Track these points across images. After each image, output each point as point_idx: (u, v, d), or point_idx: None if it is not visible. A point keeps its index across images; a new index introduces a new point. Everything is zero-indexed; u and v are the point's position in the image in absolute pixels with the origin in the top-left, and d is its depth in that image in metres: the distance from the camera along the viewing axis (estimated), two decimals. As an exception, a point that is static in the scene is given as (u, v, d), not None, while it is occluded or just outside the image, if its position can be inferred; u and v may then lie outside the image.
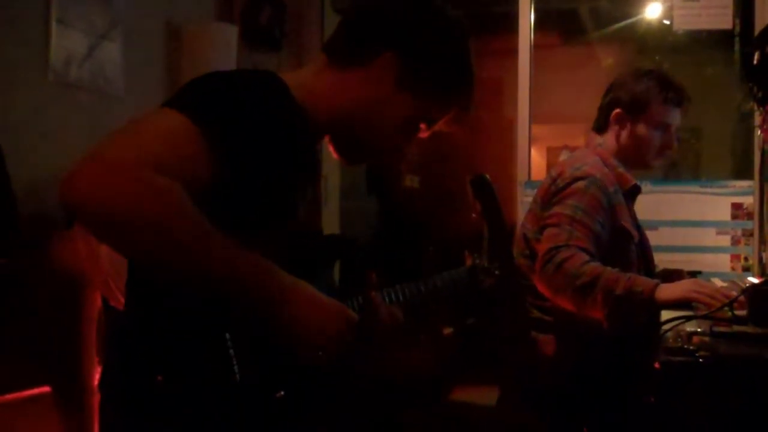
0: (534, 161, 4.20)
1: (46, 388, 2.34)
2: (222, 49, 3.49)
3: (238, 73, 1.52)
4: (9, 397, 2.23)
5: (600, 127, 2.62)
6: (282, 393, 1.40)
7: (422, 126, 1.61)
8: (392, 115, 1.55)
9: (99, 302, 2.61)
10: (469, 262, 1.90)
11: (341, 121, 1.55)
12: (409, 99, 1.55)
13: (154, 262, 1.24)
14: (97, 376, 2.59)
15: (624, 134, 2.55)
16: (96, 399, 2.57)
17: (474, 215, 1.80)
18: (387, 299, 1.69)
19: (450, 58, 1.58)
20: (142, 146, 1.22)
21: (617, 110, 2.55)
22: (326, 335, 1.36)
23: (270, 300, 1.30)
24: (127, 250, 1.27)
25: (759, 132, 3.45)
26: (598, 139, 2.61)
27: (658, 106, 2.52)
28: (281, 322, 1.32)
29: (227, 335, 1.36)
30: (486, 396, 2.58)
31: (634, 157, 2.57)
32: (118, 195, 1.16)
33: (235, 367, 1.35)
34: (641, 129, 2.54)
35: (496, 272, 1.85)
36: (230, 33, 3.57)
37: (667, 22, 4.11)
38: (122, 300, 2.31)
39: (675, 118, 2.56)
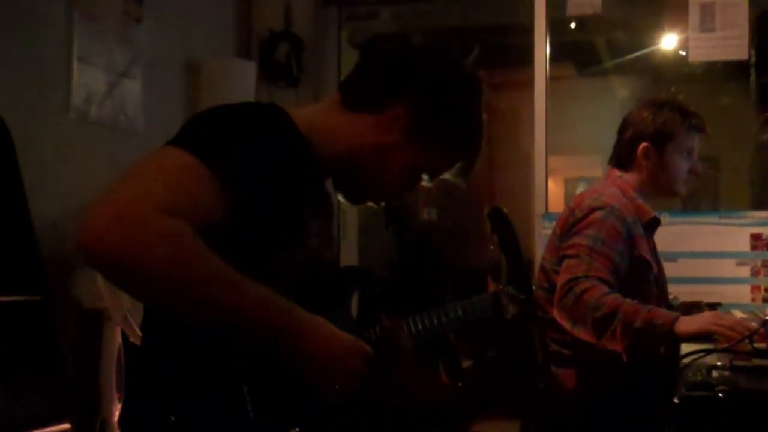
0: (551, 193, 4.17)
1: (66, 425, 2.34)
2: (240, 84, 3.54)
3: (240, 106, 1.48)
4: (30, 433, 2.24)
5: (622, 164, 2.60)
6: (297, 430, 1.39)
7: (425, 176, 1.61)
8: (395, 164, 1.56)
9: (119, 338, 2.62)
10: (492, 288, 1.89)
11: (343, 161, 1.55)
12: (415, 151, 1.55)
13: (167, 305, 1.25)
14: (116, 413, 2.60)
15: (653, 166, 2.55)
16: (116, 435, 2.59)
17: (492, 247, 1.80)
18: (406, 330, 1.69)
19: (462, 116, 1.58)
20: (151, 189, 1.21)
21: (644, 144, 2.54)
22: (343, 371, 1.37)
23: (286, 337, 1.30)
24: (140, 295, 1.28)
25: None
26: (619, 172, 2.61)
27: (684, 134, 2.54)
28: (298, 358, 1.32)
29: (241, 373, 1.35)
30: (507, 430, 2.56)
31: (665, 186, 2.57)
32: (128, 242, 1.16)
33: (249, 405, 1.34)
34: (669, 157, 2.54)
35: (522, 297, 1.84)
36: (248, 69, 3.62)
37: (682, 53, 4.12)
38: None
39: (696, 142, 2.58)
